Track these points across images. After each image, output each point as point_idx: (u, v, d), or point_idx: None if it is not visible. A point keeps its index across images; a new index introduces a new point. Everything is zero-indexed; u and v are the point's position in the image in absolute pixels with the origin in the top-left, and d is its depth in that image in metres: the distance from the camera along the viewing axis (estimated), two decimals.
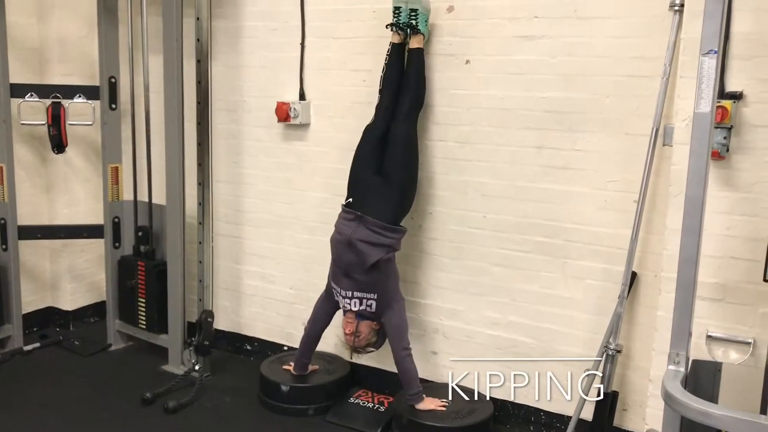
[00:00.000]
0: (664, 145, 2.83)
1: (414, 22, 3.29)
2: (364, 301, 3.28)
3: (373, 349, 3.40)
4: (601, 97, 3.02)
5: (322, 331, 3.56)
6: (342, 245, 3.28)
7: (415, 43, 3.33)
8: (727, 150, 2.49)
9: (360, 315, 3.31)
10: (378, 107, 3.40)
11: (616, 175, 3.03)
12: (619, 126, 3.00)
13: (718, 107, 2.34)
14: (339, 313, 3.47)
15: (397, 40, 3.35)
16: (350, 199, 3.34)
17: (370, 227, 3.22)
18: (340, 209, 3.42)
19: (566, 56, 3.07)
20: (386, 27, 3.35)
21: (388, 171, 3.31)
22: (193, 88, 3.79)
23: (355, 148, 3.57)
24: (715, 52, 2.09)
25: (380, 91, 3.41)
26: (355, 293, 3.29)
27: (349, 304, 3.31)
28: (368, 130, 3.40)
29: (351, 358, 3.56)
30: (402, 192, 3.32)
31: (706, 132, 2.12)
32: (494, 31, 3.22)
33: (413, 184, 3.37)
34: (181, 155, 3.79)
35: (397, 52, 3.37)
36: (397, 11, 3.32)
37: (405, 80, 3.36)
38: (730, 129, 2.47)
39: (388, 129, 3.35)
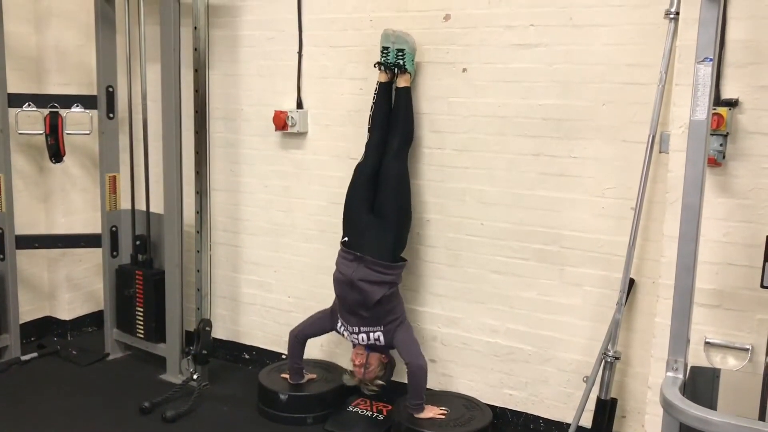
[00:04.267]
0: (660, 152, 2.84)
1: (401, 61, 3.34)
2: (371, 334, 3.37)
3: (381, 382, 3.46)
4: (598, 104, 3.03)
5: (309, 338, 3.60)
6: (345, 285, 3.35)
7: (402, 82, 3.37)
8: (724, 157, 2.50)
9: (369, 348, 3.40)
10: (368, 145, 3.45)
11: (613, 182, 3.04)
12: (616, 133, 3.01)
13: (713, 114, 2.35)
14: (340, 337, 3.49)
15: (384, 79, 3.40)
16: (346, 238, 3.40)
17: (370, 266, 3.29)
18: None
19: (562, 64, 3.09)
20: (374, 66, 3.41)
21: (382, 209, 3.36)
22: (190, 97, 3.79)
23: (351, 155, 3.62)
24: (711, 60, 2.10)
25: (369, 130, 3.45)
26: (361, 329, 3.37)
27: (357, 338, 3.40)
28: (360, 168, 3.45)
29: (359, 385, 3.52)
30: (398, 229, 3.37)
31: (702, 139, 2.13)
32: (491, 39, 3.23)
33: (408, 220, 3.43)
34: (178, 164, 3.79)
35: (384, 90, 3.42)
36: (385, 51, 3.38)
37: (393, 119, 3.41)
38: (726, 136, 2.48)
39: (379, 166, 3.40)
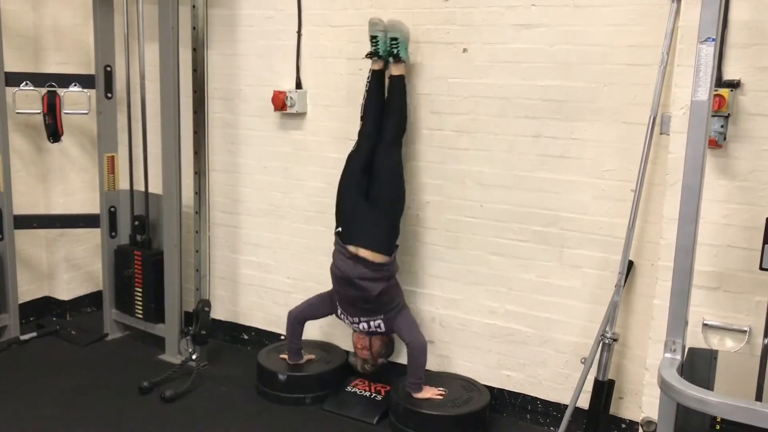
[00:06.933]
0: (661, 133, 2.83)
1: (395, 50, 3.31)
2: (371, 323, 3.38)
3: (383, 360, 3.51)
4: (599, 85, 3.01)
5: (308, 320, 3.61)
6: (343, 281, 3.35)
7: (396, 70, 3.35)
8: (725, 138, 2.49)
9: (370, 334, 3.44)
10: (361, 133, 3.43)
11: (614, 164, 3.03)
12: (617, 115, 2.99)
13: (715, 95, 2.34)
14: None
15: (377, 67, 3.38)
16: (340, 228, 3.37)
17: (368, 265, 3.28)
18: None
19: (564, 45, 3.06)
20: (365, 56, 3.38)
21: (376, 199, 3.34)
22: (189, 77, 3.77)
23: (350, 136, 3.57)
24: (713, 40, 2.08)
25: (362, 118, 3.43)
26: (362, 318, 3.39)
27: (358, 327, 3.42)
28: (352, 158, 3.42)
29: (361, 370, 3.59)
30: (392, 219, 3.37)
31: (704, 120, 2.11)
32: (492, 19, 3.21)
33: (401, 209, 3.41)
34: (177, 144, 3.77)
35: (377, 78, 3.39)
36: (374, 40, 3.34)
37: (388, 107, 3.38)
38: (727, 117, 2.47)
39: (372, 155, 3.37)
